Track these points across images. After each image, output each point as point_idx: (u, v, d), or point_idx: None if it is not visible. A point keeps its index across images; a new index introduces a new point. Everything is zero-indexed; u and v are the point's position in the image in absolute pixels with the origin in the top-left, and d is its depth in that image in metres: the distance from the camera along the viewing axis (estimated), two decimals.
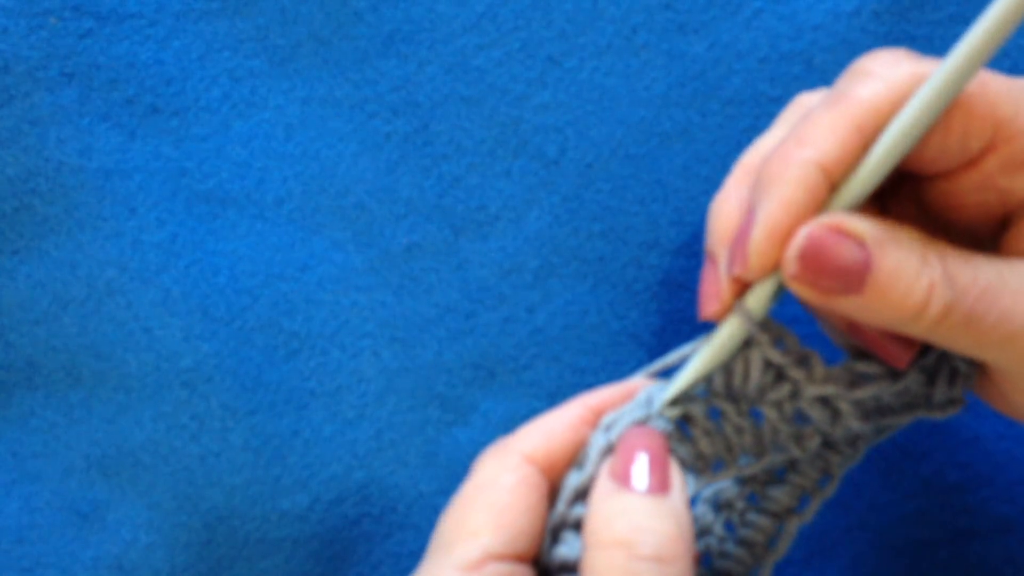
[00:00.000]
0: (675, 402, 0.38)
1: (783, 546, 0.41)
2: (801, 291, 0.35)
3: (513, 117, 0.48)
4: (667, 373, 0.44)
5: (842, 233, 0.35)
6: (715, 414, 0.39)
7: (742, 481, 0.41)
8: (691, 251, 0.48)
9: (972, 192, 0.37)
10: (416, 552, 0.48)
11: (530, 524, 0.37)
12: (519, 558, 0.36)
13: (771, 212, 0.35)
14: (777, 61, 0.47)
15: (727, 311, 0.37)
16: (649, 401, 0.39)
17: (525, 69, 0.48)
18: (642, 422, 0.38)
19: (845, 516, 0.48)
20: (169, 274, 0.47)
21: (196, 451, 0.47)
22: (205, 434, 0.47)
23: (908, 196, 0.40)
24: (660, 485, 0.36)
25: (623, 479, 0.36)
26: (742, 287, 0.37)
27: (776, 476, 0.41)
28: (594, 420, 0.39)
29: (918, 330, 0.35)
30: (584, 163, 0.48)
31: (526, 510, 0.36)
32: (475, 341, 0.48)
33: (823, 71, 0.47)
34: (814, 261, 0.35)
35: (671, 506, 0.36)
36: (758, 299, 0.37)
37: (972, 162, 0.37)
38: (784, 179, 0.35)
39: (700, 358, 0.38)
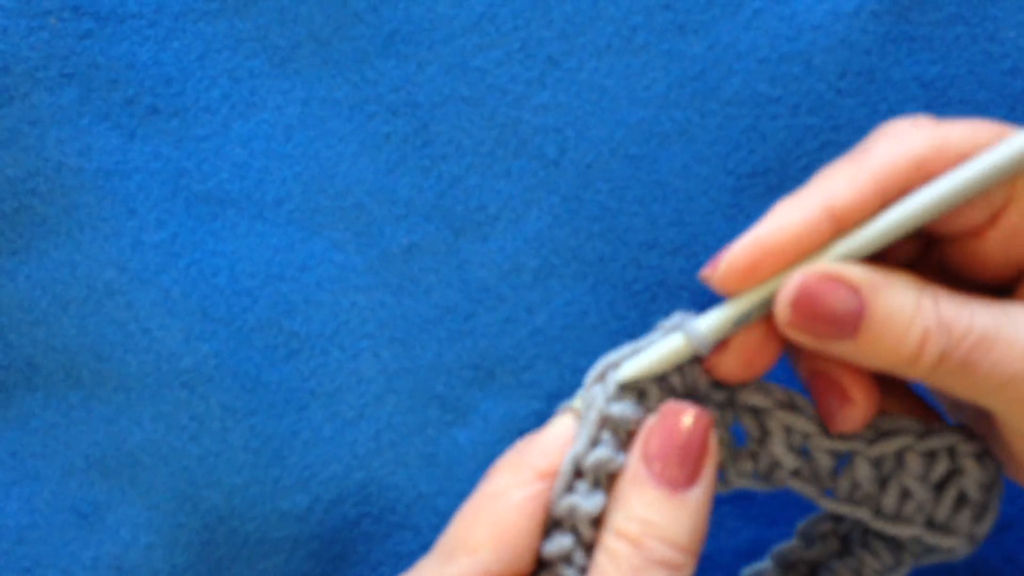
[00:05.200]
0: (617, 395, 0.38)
1: None
2: (795, 336, 0.36)
3: (513, 117, 0.48)
4: None
5: (836, 280, 0.35)
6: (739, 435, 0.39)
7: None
8: (691, 251, 0.48)
9: (993, 247, 0.37)
10: (416, 552, 0.48)
11: (533, 542, 0.36)
12: None
13: (761, 228, 0.36)
14: (777, 61, 0.47)
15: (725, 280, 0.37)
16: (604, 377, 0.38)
17: (525, 69, 0.48)
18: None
19: None
20: (169, 274, 0.47)
21: (196, 451, 0.48)
22: (205, 434, 0.48)
23: (919, 251, 0.40)
24: (687, 478, 0.36)
25: (649, 464, 0.36)
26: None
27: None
28: None
29: (913, 374, 0.35)
30: (584, 163, 0.48)
31: (530, 529, 0.36)
32: (475, 341, 0.48)
33: (823, 71, 0.47)
34: (807, 308, 0.35)
35: (692, 502, 0.35)
36: (711, 324, 0.37)
37: (994, 218, 0.37)
38: (787, 209, 0.36)
39: (644, 357, 0.38)
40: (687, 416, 0.36)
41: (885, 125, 0.38)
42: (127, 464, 0.48)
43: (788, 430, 0.38)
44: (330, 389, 0.48)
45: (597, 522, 0.36)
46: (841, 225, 0.36)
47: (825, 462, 0.38)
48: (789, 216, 0.36)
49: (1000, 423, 0.37)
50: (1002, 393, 0.35)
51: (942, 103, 0.47)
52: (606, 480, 0.37)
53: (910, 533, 0.38)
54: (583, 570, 0.36)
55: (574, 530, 0.36)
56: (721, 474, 0.39)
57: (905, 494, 0.38)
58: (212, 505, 0.47)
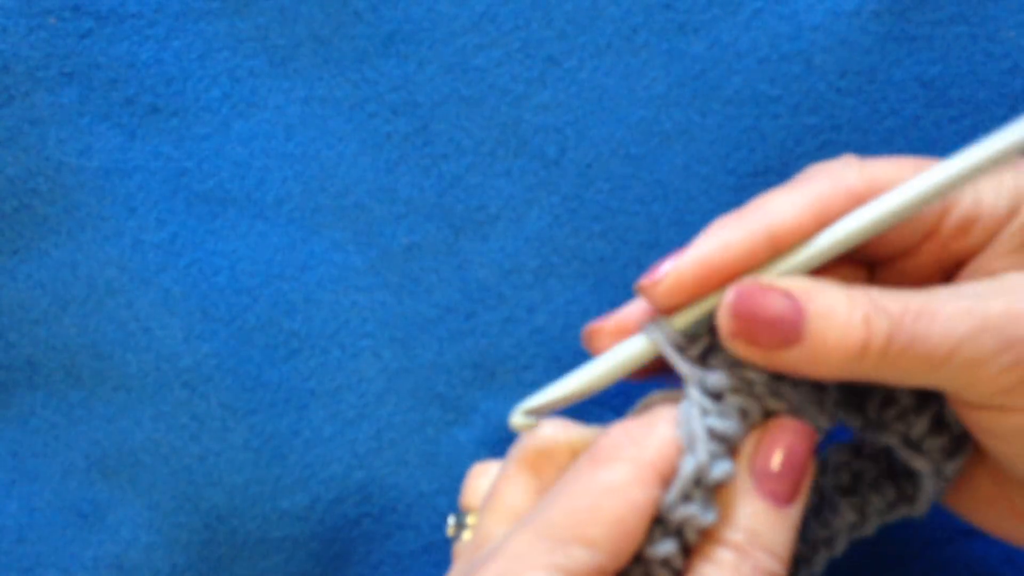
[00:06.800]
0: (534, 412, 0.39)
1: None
2: (744, 350, 0.37)
3: (513, 117, 0.48)
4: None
5: (769, 288, 0.36)
6: None
7: None
8: None
9: (925, 262, 0.39)
10: (417, 552, 0.48)
11: (642, 543, 0.36)
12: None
13: (703, 246, 0.38)
14: (777, 61, 0.47)
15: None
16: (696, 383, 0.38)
17: (525, 69, 0.48)
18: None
19: None
20: (169, 274, 0.47)
21: (196, 451, 0.48)
22: (205, 434, 0.48)
23: (860, 278, 0.41)
24: (790, 494, 0.36)
25: (757, 477, 0.36)
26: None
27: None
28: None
29: (867, 368, 0.36)
30: (584, 163, 0.48)
31: (645, 530, 0.36)
32: (475, 341, 0.48)
33: (823, 71, 0.47)
34: (747, 313, 0.36)
35: (793, 516, 0.36)
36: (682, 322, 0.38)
37: (927, 236, 0.39)
38: (728, 228, 0.38)
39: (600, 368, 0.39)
40: (796, 433, 0.37)
41: (816, 165, 0.40)
42: (127, 464, 0.48)
43: None
44: (330, 389, 0.48)
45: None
46: (779, 247, 0.37)
47: None
48: (731, 235, 0.37)
49: (955, 402, 0.38)
50: (954, 360, 0.35)
51: (942, 103, 0.47)
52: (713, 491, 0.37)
53: (886, 441, 0.39)
54: (677, 573, 0.36)
55: (678, 535, 0.36)
56: None
57: (888, 400, 0.39)
58: (212, 505, 0.47)
